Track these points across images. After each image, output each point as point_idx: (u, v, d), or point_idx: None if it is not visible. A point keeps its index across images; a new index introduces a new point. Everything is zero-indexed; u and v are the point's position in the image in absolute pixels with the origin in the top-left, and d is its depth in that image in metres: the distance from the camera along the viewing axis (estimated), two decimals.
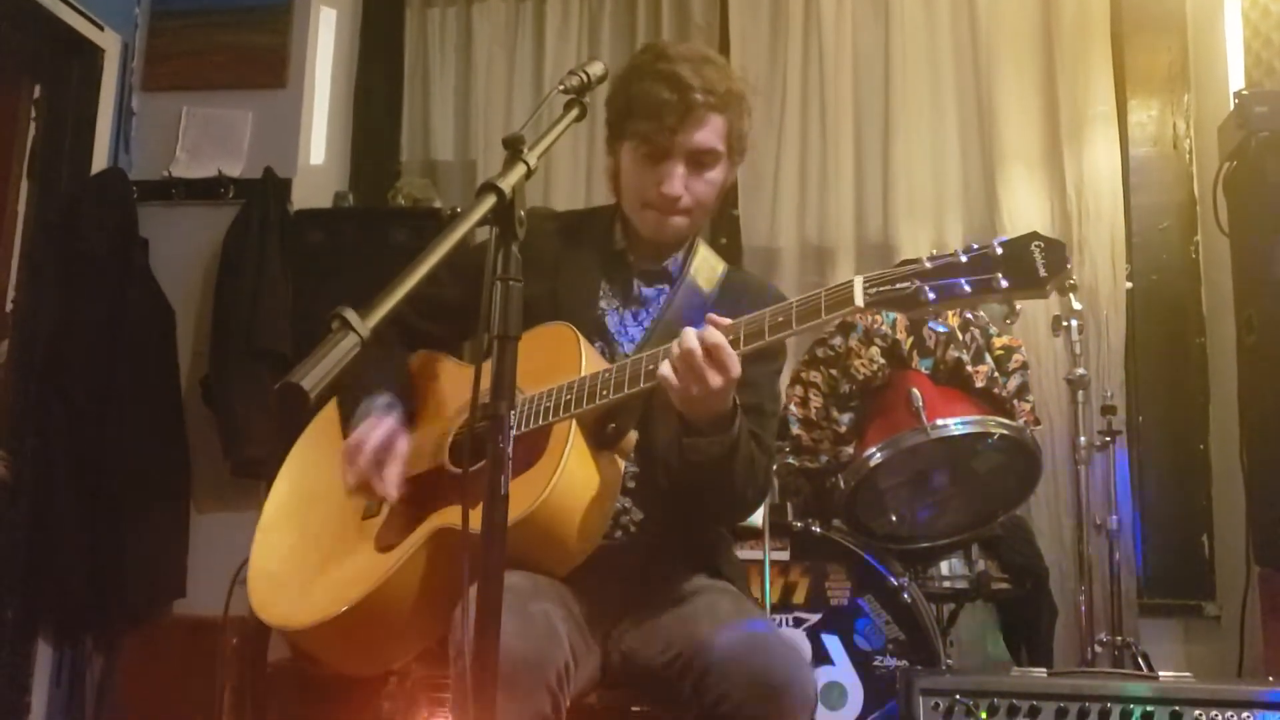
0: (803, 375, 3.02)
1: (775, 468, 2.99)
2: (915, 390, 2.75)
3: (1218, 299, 3.64)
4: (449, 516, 1.71)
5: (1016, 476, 2.90)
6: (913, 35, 4.00)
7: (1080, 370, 3.05)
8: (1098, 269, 3.72)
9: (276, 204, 3.85)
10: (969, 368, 2.83)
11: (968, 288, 1.45)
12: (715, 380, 1.57)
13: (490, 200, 1.33)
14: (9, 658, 3.53)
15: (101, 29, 3.95)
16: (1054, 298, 3.19)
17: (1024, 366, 2.92)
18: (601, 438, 1.72)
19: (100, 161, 3.95)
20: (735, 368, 1.58)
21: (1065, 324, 3.05)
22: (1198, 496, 3.72)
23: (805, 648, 2.71)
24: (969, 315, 2.92)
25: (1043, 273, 1.42)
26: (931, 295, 1.47)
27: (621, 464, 1.76)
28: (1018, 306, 1.48)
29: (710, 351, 1.57)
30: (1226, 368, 3.41)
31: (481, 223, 1.33)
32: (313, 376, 1.13)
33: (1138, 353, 3.79)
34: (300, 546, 1.92)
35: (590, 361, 1.75)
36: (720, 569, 1.93)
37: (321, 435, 2.06)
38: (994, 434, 2.76)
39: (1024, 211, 3.82)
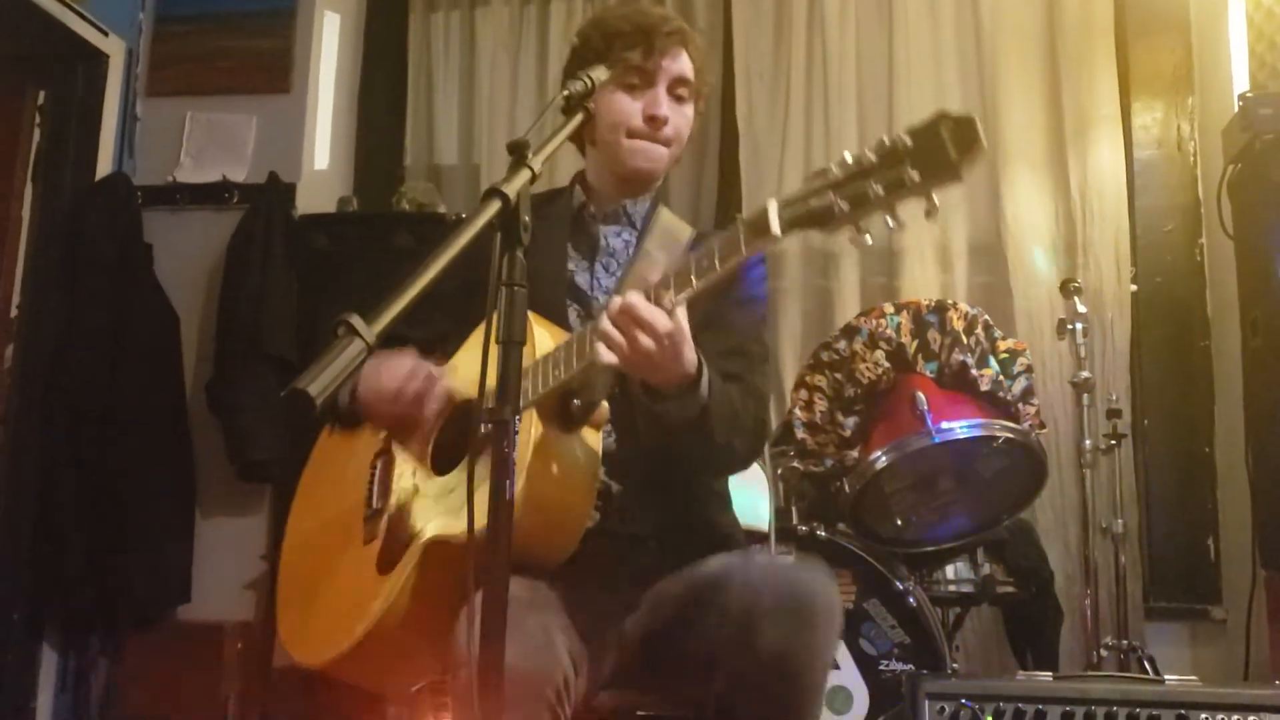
0: (807, 379, 3.01)
1: (780, 471, 2.99)
2: (920, 394, 2.75)
3: (1222, 302, 3.63)
4: (438, 528, 1.69)
5: (1022, 480, 2.90)
6: (916, 36, 4.00)
7: (1085, 373, 3.05)
8: (1102, 272, 3.72)
9: (281, 209, 3.85)
10: (974, 371, 2.83)
11: (881, 190, 1.36)
12: (645, 342, 1.52)
13: (495, 206, 1.33)
14: (14, 662, 3.54)
15: (106, 35, 3.96)
16: (1059, 302, 3.20)
17: (1029, 370, 2.91)
18: (567, 417, 1.68)
19: (105, 167, 3.95)
20: (660, 323, 1.52)
21: (1070, 327, 3.05)
22: (1203, 499, 3.71)
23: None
24: (971, 312, 2.93)
25: (953, 154, 1.32)
26: (845, 205, 1.39)
27: (599, 437, 1.72)
28: (936, 200, 1.36)
29: (625, 311, 1.52)
30: (1231, 370, 3.40)
31: (486, 228, 1.33)
32: (319, 383, 1.13)
33: (1143, 356, 3.78)
34: (312, 579, 1.93)
35: (543, 342, 1.71)
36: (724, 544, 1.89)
37: (322, 463, 2.06)
38: (999, 437, 2.76)
39: (1028, 213, 3.81)
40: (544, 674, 1.51)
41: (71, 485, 3.54)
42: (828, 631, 1.61)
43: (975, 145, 1.32)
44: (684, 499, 1.88)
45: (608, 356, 1.54)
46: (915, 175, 1.33)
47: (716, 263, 1.49)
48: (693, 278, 1.51)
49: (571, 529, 1.69)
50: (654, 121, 1.92)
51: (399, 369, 1.78)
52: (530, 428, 1.63)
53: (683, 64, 1.95)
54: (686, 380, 1.63)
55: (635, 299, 1.52)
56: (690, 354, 1.60)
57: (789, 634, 1.56)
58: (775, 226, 1.44)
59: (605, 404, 1.70)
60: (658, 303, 1.53)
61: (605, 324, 1.54)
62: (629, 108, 1.93)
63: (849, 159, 1.39)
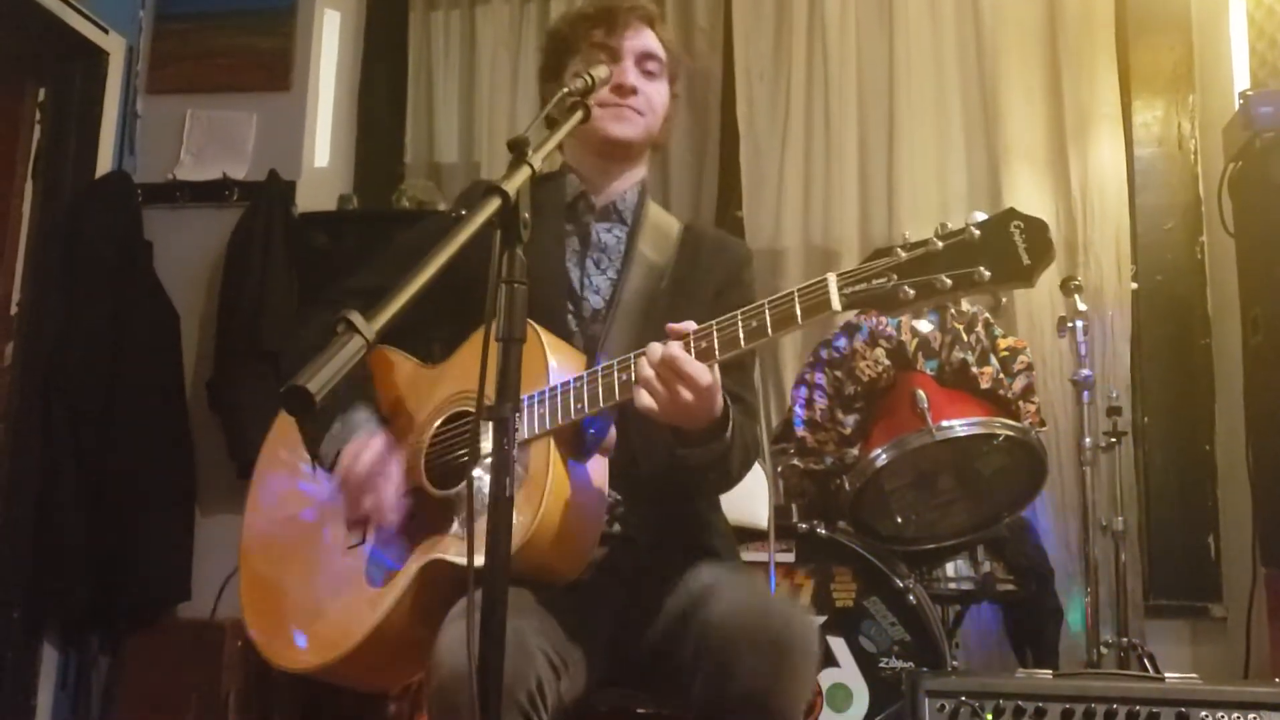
0: (807, 377, 3.01)
1: (780, 469, 2.99)
2: (920, 391, 2.74)
3: (1223, 299, 3.63)
4: (436, 548, 1.67)
5: (1022, 478, 2.90)
6: (917, 36, 4.00)
7: (1085, 371, 3.04)
8: (1103, 270, 3.71)
9: (281, 207, 3.85)
10: (974, 369, 2.83)
11: (949, 281, 1.37)
12: (686, 395, 1.53)
13: (495, 203, 1.32)
14: (15, 659, 3.54)
15: (106, 32, 3.96)
16: (1060, 300, 3.20)
17: (1029, 368, 2.91)
18: (581, 446, 1.68)
19: (105, 164, 3.95)
20: (703, 378, 1.53)
21: (1070, 325, 3.05)
22: (1203, 497, 3.71)
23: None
24: (971, 310, 2.92)
25: (1026, 260, 1.34)
26: (911, 292, 1.40)
27: (605, 463, 1.71)
28: (1003, 299, 1.39)
29: (668, 364, 1.52)
30: (1232, 368, 3.40)
31: (486, 225, 1.32)
32: (319, 379, 1.12)
33: (1143, 354, 3.77)
34: (288, 582, 1.87)
35: (557, 361, 1.69)
36: (715, 547, 1.90)
37: (284, 453, 1.99)
38: (999, 435, 2.76)
39: (1028, 211, 3.79)
40: (513, 678, 1.49)
41: (71, 483, 3.54)
42: (805, 675, 1.59)
43: (1048, 252, 1.34)
44: (676, 503, 1.87)
45: (649, 403, 1.54)
46: (986, 274, 1.35)
47: (769, 328, 1.49)
48: (741, 340, 1.51)
49: (583, 554, 1.69)
50: (621, 90, 1.92)
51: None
52: (549, 458, 1.61)
53: (647, 40, 1.97)
54: (715, 426, 1.64)
55: (678, 351, 1.53)
56: (720, 401, 1.61)
57: (764, 676, 1.55)
58: (836, 302, 1.45)
59: (613, 431, 1.70)
60: (699, 355, 1.53)
61: (646, 371, 1.54)
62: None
63: (913, 241, 1.42)
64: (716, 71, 4.20)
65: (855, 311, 1.53)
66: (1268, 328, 2.99)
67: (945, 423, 2.72)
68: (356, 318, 1.17)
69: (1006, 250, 1.35)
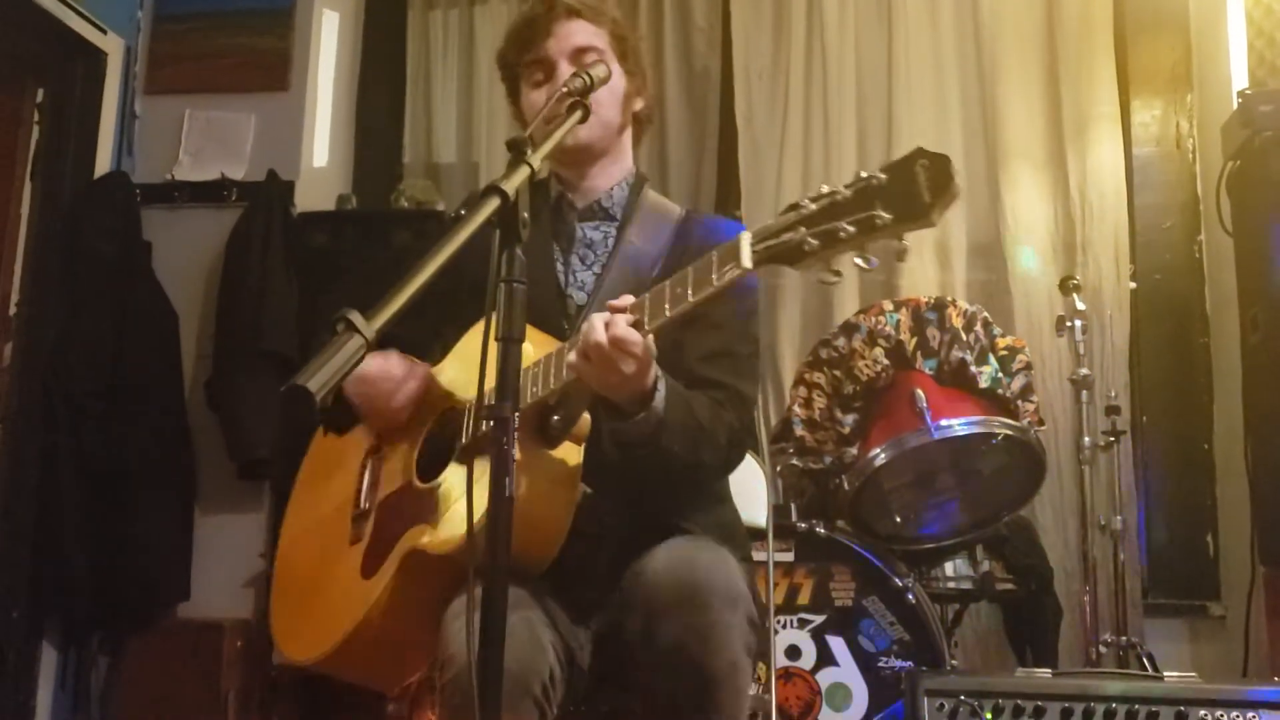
0: (806, 376, 3.01)
1: (779, 468, 2.99)
2: (919, 391, 2.75)
3: (1222, 298, 3.63)
4: (417, 538, 1.69)
5: (1021, 477, 2.90)
6: (916, 35, 4.00)
7: (1084, 370, 3.04)
8: (1101, 269, 3.72)
9: (280, 207, 3.85)
10: (973, 368, 2.83)
11: (851, 228, 1.32)
12: (629, 367, 1.52)
13: (494, 203, 1.32)
14: (14, 659, 3.53)
15: (104, 32, 3.96)
16: (1058, 299, 3.20)
17: (1028, 367, 2.91)
18: (548, 432, 1.67)
19: (103, 165, 3.95)
20: (647, 350, 1.53)
21: (1069, 324, 3.05)
22: (1202, 496, 3.71)
23: (809, 649, 2.73)
24: (970, 309, 2.93)
25: (926, 197, 1.28)
26: (815, 243, 1.36)
27: (579, 451, 1.69)
28: (906, 241, 1.32)
29: (617, 344, 1.51)
30: (1230, 367, 3.41)
31: (485, 225, 1.33)
32: (318, 379, 1.13)
33: (1142, 352, 3.78)
34: (303, 577, 1.95)
35: (534, 351, 1.68)
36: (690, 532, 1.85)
37: (317, 461, 2.07)
38: (998, 434, 2.76)
39: (1027, 211, 3.81)
40: (529, 669, 1.51)
41: (71, 483, 3.53)
42: (722, 611, 1.56)
43: (949, 188, 1.28)
44: (654, 500, 1.83)
45: (579, 362, 1.53)
46: (886, 216, 1.30)
47: (689, 293, 1.48)
48: (666, 308, 1.50)
49: (549, 543, 1.67)
50: None
51: (392, 371, 1.78)
52: None
53: (577, 35, 1.93)
54: (644, 396, 1.62)
55: (626, 334, 1.51)
56: (652, 373, 1.60)
57: (681, 625, 1.53)
58: (746, 259, 1.42)
59: (587, 416, 1.67)
60: (633, 326, 1.52)
61: (586, 346, 1.52)
62: (540, 100, 1.91)
63: (824, 191, 1.38)
64: (715, 71, 4.20)
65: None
66: (1266, 326, 3.00)
67: (944, 422, 2.72)
68: (356, 317, 1.17)
69: (909, 190, 1.29)
